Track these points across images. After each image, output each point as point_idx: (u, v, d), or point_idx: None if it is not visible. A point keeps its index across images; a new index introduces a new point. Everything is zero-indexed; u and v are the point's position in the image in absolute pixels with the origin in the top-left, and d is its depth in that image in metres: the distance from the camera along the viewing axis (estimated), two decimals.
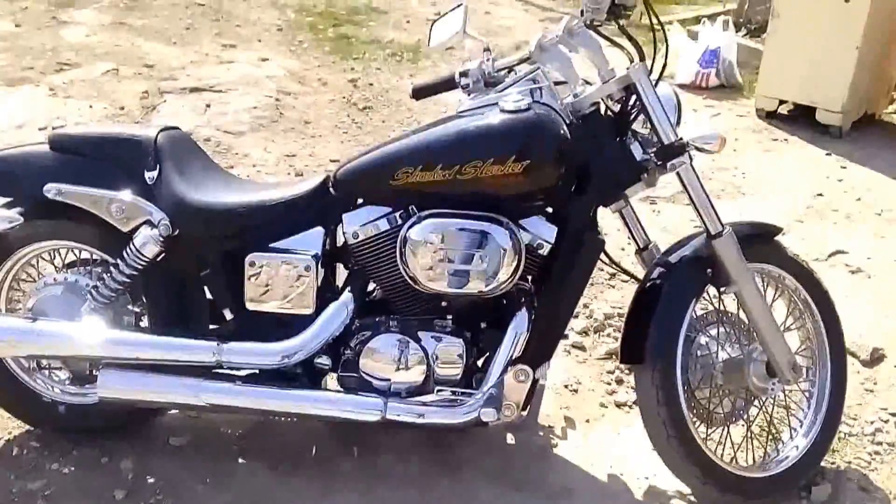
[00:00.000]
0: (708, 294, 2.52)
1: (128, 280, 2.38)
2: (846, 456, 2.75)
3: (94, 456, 2.56)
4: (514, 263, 2.25)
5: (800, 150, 5.04)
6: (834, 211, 4.35)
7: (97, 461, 2.54)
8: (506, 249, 2.23)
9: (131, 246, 2.33)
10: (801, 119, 5.26)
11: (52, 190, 2.33)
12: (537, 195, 2.30)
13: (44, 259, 2.55)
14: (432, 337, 2.37)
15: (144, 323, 2.53)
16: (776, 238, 2.60)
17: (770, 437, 2.65)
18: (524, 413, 2.37)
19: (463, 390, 2.36)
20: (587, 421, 2.82)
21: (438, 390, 2.36)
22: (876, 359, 3.21)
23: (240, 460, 2.57)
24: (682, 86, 5.96)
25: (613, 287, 3.58)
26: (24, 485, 2.46)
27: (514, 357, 2.34)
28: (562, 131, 2.23)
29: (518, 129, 2.21)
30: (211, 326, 2.49)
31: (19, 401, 2.59)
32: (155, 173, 2.35)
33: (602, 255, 2.53)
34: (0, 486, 2.44)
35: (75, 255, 2.55)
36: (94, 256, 2.50)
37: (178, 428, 2.67)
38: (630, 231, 2.58)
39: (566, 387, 2.97)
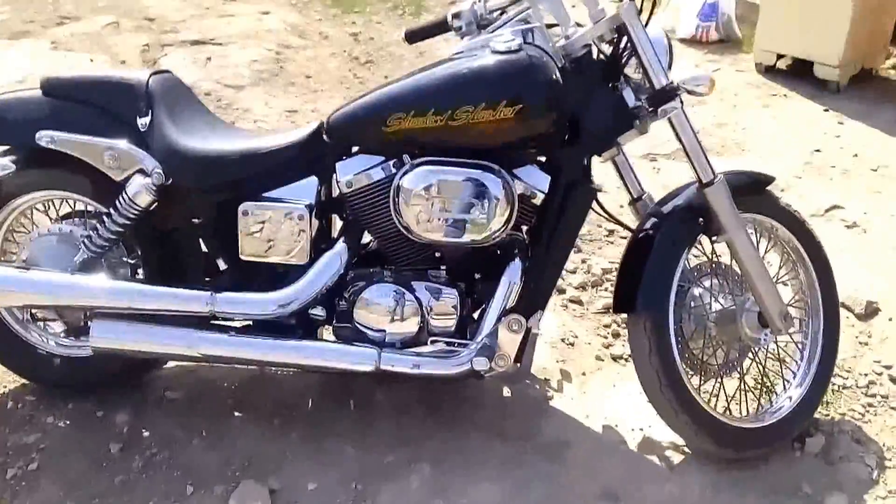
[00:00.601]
0: (701, 245, 2.52)
1: (121, 230, 2.37)
2: (840, 408, 2.76)
3: (89, 409, 2.57)
4: (507, 212, 2.24)
5: (798, 106, 5.01)
6: (831, 167, 4.33)
7: (92, 415, 2.56)
8: (499, 198, 2.22)
9: (124, 195, 2.31)
10: (799, 74, 5.23)
11: (44, 138, 2.30)
12: (530, 143, 2.28)
13: (38, 210, 2.54)
14: (426, 287, 2.37)
15: (140, 275, 2.52)
16: (768, 188, 2.58)
17: (764, 388, 2.65)
18: (518, 364, 2.36)
19: (458, 341, 2.36)
20: (583, 374, 2.82)
21: (433, 341, 2.36)
22: (870, 312, 3.21)
23: (235, 414, 2.58)
24: (682, 40, 5.93)
25: (612, 243, 3.57)
26: (19, 438, 2.48)
27: (507, 307, 2.33)
28: (554, 75, 2.20)
29: (509, 73, 2.17)
30: (206, 278, 2.49)
31: (14, 354, 2.60)
32: (147, 119, 2.32)
33: (595, 206, 2.53)
34: None
35: (70, 205, 2.54)
36: (89, 207, 2.48)
37: (174, 382, 2.68)
38: (623, 181, 2.57)
39: (563, 340, 2.96)
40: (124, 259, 2.52)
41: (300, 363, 2.38)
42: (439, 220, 2.25)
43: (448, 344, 2.36)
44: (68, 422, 2.53)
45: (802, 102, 5.05)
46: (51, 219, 2.53)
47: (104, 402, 2.59)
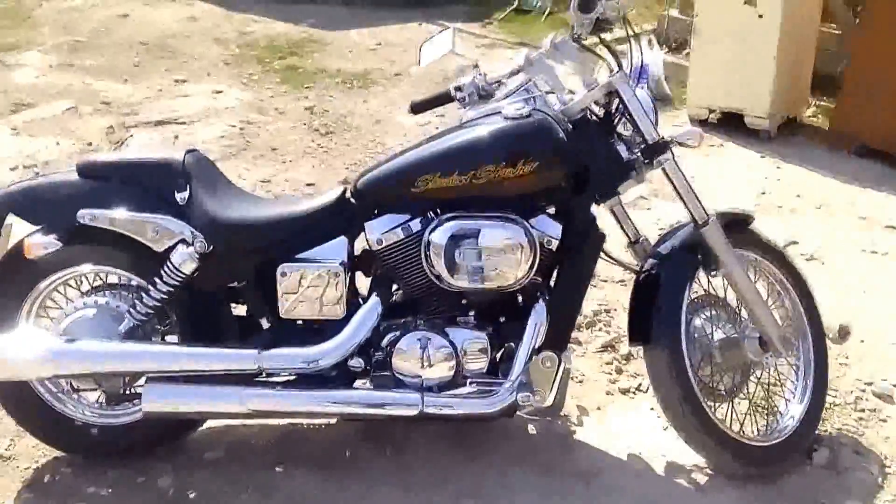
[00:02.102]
0: (699, 279, 2.72)
1: (165, 297, 2.46)
2: (835, 423, 2.96)
3: (129, 476, 2.61)
4: (531, 259, 2.42)
5: (736, 153, 5.31)
6: (779, 207, 4.61)
7: (133, 481, 2.60)
8: (523, 246, 2.41)
9: (168, 264, 2.41)
10: (731, 125, 5.55)
11: (85, 216, 2.40)
12: (543, 195, 2.49)
13: (69, 286, 2.60)
14: (458, 333, 2.52)
15: (171, 339, 2.61)
16: (750, 225, 2.81)
17: (769, 408, 2.84)
18: (553, 397, 2.51)
19: (494, 380, 2.50)
20: (598, 408, 2.98)
21: (470, 382, 2.50)
22: (843, 335, 3.41)
23: (277, 468, 2.65)
24: None
25: (595, 287, 3.75)
26: None
27: (536, 346, 2.49)
28: (561, 134, 2.43)
29: (525, 134, 2.41)
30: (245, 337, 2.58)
31: (50, 426, 2.63)
32: (186, 194, 2.45)
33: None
34: None
35: (101, 279, 2.60)
36: (122, 279, 2.57)
37: (211, 442, 2.74)
38: (621, 226, 2.77)
39: (572, 379, 3.11)
40: (155, 326, 2.59)
41: (346, 412, 2.48)
42: (469, 269, 2.41)
43: (482, 384, 2.49)
44: (110, 489, 2.56)
45: (739, 150, 5.35)
46: (81, 292, 2.59)
47: (144, 469, 2.62)
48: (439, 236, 2.41)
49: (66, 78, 6.11)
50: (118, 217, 2.41)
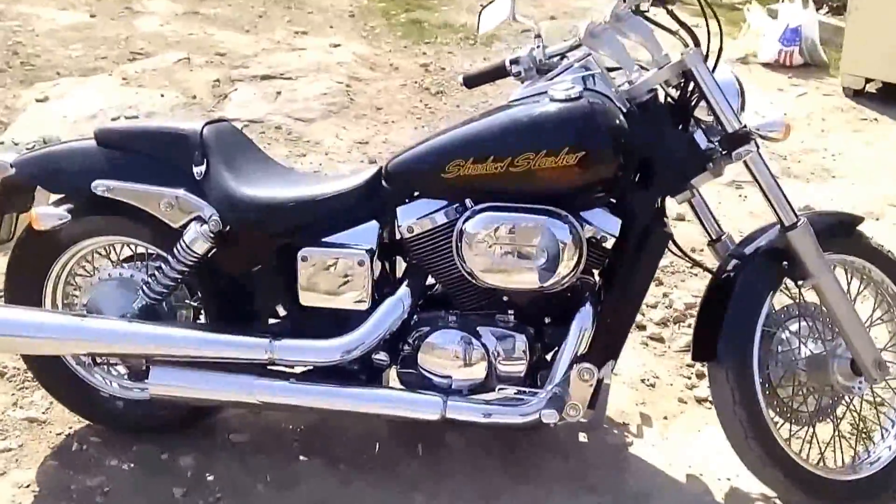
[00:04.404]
0: (788, 287, 2.37)
1: (179, 276, 2.33)
2: None
3: (154, 452, 2.52)
4: (576, 258, 2.15)
5: (890, 130, 4.77)
6: None
7: (157, 458, 2.51)
8: (566, 243, 2.13)
9: (181, 242, 2.28)
10: (890, 97, 4.99)
11: (100, 186, 2.30)
12: (596, 187, 2.19)
13: (100, 254, 2.52)
14: (493, 333, 2.27)
15: (203, 318, 2.48)
16: (858, 227, 2.43)
17: (860, 437, 2.47)
18: (590, 412, 2.24)
19: (527, 389, 2.25)
20: (664, 418, 2.68)
21: (500, 388, 2.26)
22: None
23: (301, 458, 2.50)
24: (765, 64, 5.80)
25: (696, 275, 3.40)
26: (83, 481, 2.43)
27: (579, 354, 2.22)
28: (617, 121, 2.13)
29: (570, 120, 2.11)
30: (271, 321, 2.43)
31: (78, 396, 2.57)
32: (203, 168, 2.29)
33: (673, 247, 2.42)
34: (59, 483, 2.42)
35: (131, 249, 2.51)
36: (150, 251, 2.45)
37: (239, 425, 2.62)
38: (702, 222, 2.44)
39: (643, 381, 2.83)
40: (188, 301, 2.48)
41: (363, 411, 2.29)
42: (503, 265, 2.16)
43: (518, 391, 2.25)
44: (133, 465, 2.48)
45: (895, 127, 4.81)
46: (112, 262, 2.51)
47: (169, 446, 2.53)
48: (472, 227, 2.16)
49: (189, 27, 6.12)
50: (133, 189, 2.29)
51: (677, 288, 3.37)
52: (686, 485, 2.44)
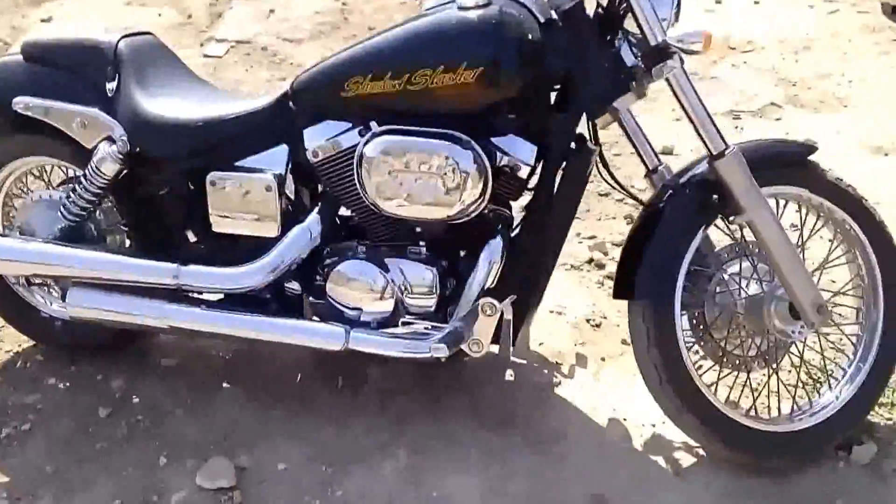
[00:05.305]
0: (720, 224, 2.22)
1: (94, 199, 2.32)
2: None
3: (90, 373, 2.57)
4: (480, 187, 2.03)
5: None
6: None
7: (92, 378, 2.55)
8: (468, 172, 2.02)
9: (91, 164, 2.26)
10: None
11: (20, 104, 2.29)
12: (503, 108, 2.06)
13: (34, 176, 2.54)
14: (402, 265, 2.19)
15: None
16: (811, 158, 2.23)
17: (803, 386, 2.32)
18: (494, 350, 2.15)
19: (432, 323, 2.17)
20: (602, 359, 2.57)
21: (404, 321, 2.19)
22: None
23: (224, 386, 2.51)
24: None
25: None
26: (20, 398, 2.50)
27: (487, 288, 2.14)
28: (528, 33, 1.97)
29: (470, 32, 1.97)
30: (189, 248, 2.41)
31: (20, 315, 2.62)
32: (114, 84, 2.26)
33: (606, 175, 2.29)
34: None
35: (63, 171, 2.52)
36: (77, 172, 2.45)
37: (171, 349, 2.64)
38: (637, 150, 2.28)
39: (588, 321, 2.71)
40: (119, 225, 2.48)
41: (268, 339, 2.24)
42: (404, 194, 2.07)
43: (418, 325, 2.18)
44: (68, 384, 2.54)
45: None
46: (46, 184, 2.52)
47: (104, 367, 2.57)
48: (370, 152, 2.06)
49: None
50: (48, 106, 2.27)
51: None
52: (605, 428, 2.34)
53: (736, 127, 3.73)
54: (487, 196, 2.06)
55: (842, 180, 2.26)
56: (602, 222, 3.19)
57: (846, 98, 3.97)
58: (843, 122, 3.67)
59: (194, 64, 4.43)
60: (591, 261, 2.99)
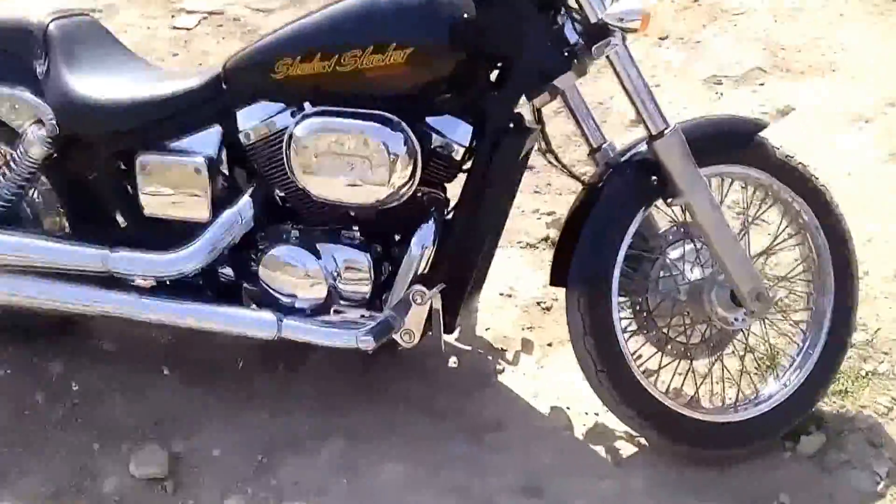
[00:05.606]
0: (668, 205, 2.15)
1: (24, 182, 2.28)
2: (860, 400, 2.31)
3: (27, 356, 2.52)
4: (410, 170, 1.99)
5: None
6: None
7: (29, 361, 2.51)
8: (397, 154, 1.97)
9: (20, 147, 2.22)
10: None
11: None
12: (440, 89, 2.01)
13: None
14: (334, 250, 2.14)
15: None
16: (760, 135, 2.16)
17: (749, 374, 2.27)
18: (420, 339, 2.11)
19: (358, 311, 2.13)
20: (549, 345, 2.51)
21: (336, 309, 2.15)
22: None
23: (164, 371, 2.47)
24: None
25: None
26: None
27: (419, 274, 2.08)
28: (458, 8, 1.92)
29: (400, 10, 1.93)
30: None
31: None
32: (44, 66, 2.21)
33: (549, 156, 2.23)
34: None
35: (2, 155, 2.46)
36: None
37: (112, 332, 2.59)
38: (581, 129, 2.21)
39: (539, 304, 2.66)
40: (58, 208, 2.44)
41: (200, 326, 2.20)
42: (333, 177, 2.02)
43: (349, 314, 2.14)
44: (8, 370, 2.50)
45: None
46: None
47: (42, 350, 2.53)
48: (299, 133, 2.02)
49: None
50: None
51: None
52: (546, 416, 2.30)
53: (716, 93, 3.62)
54: (417, 178, 2.01)
55: (792, 158, 2.19)
56: (563, 196, 3.10)
57: (834, 63, 3.76)
58: (828, 88, 3.52)
59: (164, 36, 4.43)
60: (546, 238, 2.92)
